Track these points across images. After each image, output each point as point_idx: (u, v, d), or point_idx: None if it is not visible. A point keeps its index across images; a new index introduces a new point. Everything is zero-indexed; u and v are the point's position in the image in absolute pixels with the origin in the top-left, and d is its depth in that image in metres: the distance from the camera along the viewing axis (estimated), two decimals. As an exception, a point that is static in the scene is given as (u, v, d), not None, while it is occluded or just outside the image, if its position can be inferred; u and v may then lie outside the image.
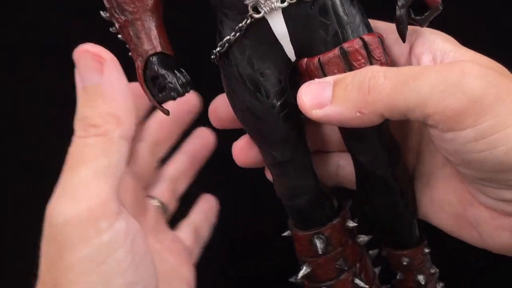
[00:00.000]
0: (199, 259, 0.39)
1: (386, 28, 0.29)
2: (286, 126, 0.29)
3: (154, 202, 0.36)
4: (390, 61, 0.29)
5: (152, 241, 0.32)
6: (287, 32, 0.28)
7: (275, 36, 0.28)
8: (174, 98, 0.28)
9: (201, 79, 0.31)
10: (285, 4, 0.27)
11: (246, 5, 0.27)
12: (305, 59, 0.28)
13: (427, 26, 0.28)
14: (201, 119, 0.37)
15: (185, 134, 0.39)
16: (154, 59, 0.28)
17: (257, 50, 0.28)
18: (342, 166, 0.34)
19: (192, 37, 0.32)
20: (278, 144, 0.30)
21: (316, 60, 0.28)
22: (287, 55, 0.28)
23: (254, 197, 0.40)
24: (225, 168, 0.36)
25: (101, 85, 0.25)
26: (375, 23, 0.30)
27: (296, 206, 0.32)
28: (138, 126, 0.33)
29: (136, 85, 0.27)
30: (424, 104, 0.24)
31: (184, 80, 0.28)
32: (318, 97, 0.26)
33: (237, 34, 0.28)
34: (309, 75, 0.29)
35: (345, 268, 0.33)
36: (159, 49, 0.27)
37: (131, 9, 0.27)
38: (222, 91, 0.30)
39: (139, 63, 0.27)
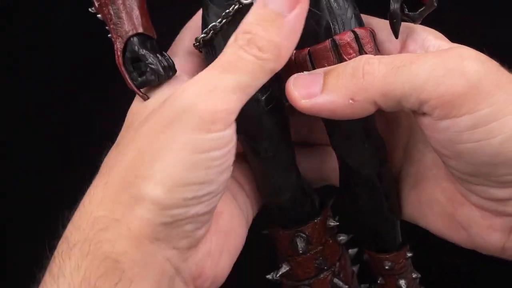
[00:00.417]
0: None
1: (378, 24, 0.29)
2: (270, 122, 0.28)
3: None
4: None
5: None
6: None
7: None
8: (154, 82, 0.27)
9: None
10: None
11: None
12: (294, 51, 0.27)
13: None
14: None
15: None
16: (135, 39, 0.26)
17: None
18: (327, 162, 0.33)
19: (176, 23, 0.30)
20: (262, 139, 0.29)
21: (305, 52, 0.27)
22: None
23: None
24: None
25: (285, 18, 0.24)
26: (366, 19, 0.29)
27: (278, 203, 0.31)
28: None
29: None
30: (422, 88, 0.23)
31: (166, 64, 0.26)
32: (308, 87, 0.26)
33: (223, 21, 0.27)
34: (298, 68, 0.28)
35: (325, 267, 0.32)
36: (140, 29, 0.26)
37: None
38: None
39: (118, 45, 0.26)
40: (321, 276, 0.32)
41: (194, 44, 0.28)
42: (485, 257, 0.29)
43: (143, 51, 0.26)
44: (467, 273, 0.36)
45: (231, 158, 0.26)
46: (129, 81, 0.26)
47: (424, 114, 0.24)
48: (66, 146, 0.45)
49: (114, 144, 0.27)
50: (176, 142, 0.24)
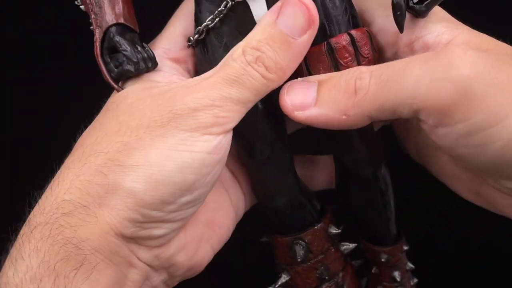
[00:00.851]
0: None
1: (375, 10, 0.27)
2: (265, 123, 0.27)
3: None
4: (377, 56, 0.26)
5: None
6: None
7: (256, 23, 0.25)
8: (130, 73, 0.25)
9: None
10: None
11: None
12: None
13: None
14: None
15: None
16: (114, 29, 0.25)
17: (235, 38, 0.26)
18: (321, 168, 0.32)
19: (163, 20, 0.29)
20: (257, 141, 0.27)
21: None
22: None
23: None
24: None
25: (296, 41, 0.24)
26: (363, 2, 0.27)
27: (275, 208, 0.29)
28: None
29: None
30: (412, 99, 0.23)
31: (145, 55, 0.25)
32: (301, 98, 0.25)
33: (216, 20, 0.26)
34: None
35: (326, 277, 0.30)
36: (121, 20, 0.25)
37: None
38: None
39: (97, 35, 0.25)
40: (323, 287, 0.30)
41: (187, 43, 0.27)
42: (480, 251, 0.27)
43: (119, 39, 0.25)
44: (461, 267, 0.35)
45: (219, 171, 0.25)
46: (105, 72, 0.25)
47: (421, 121, 0.23)
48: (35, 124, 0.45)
49: (91, 125, 0.25)
50: (168, 141, 0.23)
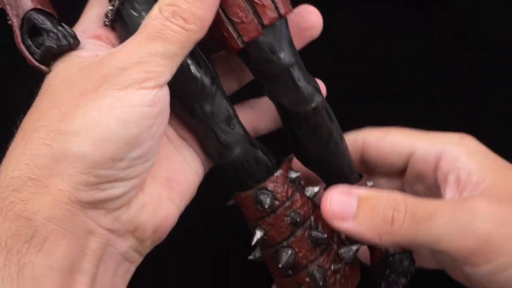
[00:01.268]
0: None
1: (416, 139, 0.32)
2: (198, 76, 0.28)
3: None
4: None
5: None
6: None
7: None
8: (54, 49, 0.25)
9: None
10: None
11: None
12: None
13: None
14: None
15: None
16: (32, 12, 0.25)
17: (150, 4, 0.26)
18: (260, 114, 0.33)
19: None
20: (194, 99, 0.28)
21: None
22: None
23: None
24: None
25: None
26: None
27: (230, 163, 0.29)
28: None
29: None
30: (438, 242, 0.26)
31: (66, 32, 0.26)
32: (342, 209, 0.28)
33: None
34: None
35: (298, 220, 0.30)
36: (38, 5, 0.25)
37: None
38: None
39: (15, 23, 0.25)
40: (298, 233, 0.30)
41: (105, 22, 0.28)
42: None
43: (37, 16, 0.25)
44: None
45: (162, 122, 0.26)
46: (28, 56, 0.25)
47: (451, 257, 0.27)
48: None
49: (31, 108, 0.26)
50: (104, 101, 0.24)
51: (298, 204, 0.30)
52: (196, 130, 0.29)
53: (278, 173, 0.30)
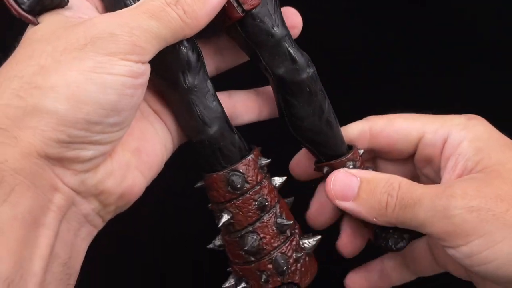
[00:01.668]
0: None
1: (425, 123, 0.33)
2: (185, 49, 0.28)
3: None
4: None
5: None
6: None
7: None
8: (46, 3, 0.25)
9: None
10: None
11: None
12: None
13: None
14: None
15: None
16: None
17: None
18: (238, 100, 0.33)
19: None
20: (179, 70, 0.28)
21: None
22: None
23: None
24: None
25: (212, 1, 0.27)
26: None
27: (207, 139, 0.29)
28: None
29: None
30: (422, 225, 0.29)
31: None
32: (344, 190, 0.31)
33: None
34: None
35: (265, 205, 0.31)
36: None
37: None
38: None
39: None
40: (264, 219, 0.31)
41: None
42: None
43: None
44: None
45: (142, 93, 0.26)
46: (14, 5, 0.24)
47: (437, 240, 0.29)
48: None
49: (8, 60, 0.25)
50: (86, 64, 0.23)
51: (266, 191, 0.31)
52: (176, 104, 0.30)
53: (250, 157, 0.31)
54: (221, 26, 0.30)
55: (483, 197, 0.27)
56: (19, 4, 0.25)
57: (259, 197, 0.30)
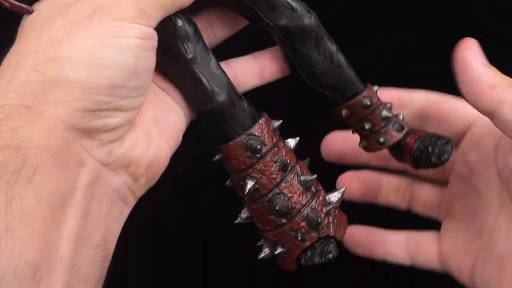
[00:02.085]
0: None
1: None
2: (181, 22, 0.28)
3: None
4: None
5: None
6: None
7: None
8: None
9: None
10: None
11: None
12: None
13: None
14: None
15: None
16: None
17: None
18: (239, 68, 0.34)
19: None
20: (180, 41, 0.28)
21: None
22: None
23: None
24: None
25: None
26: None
27: (218, 107, 0.29)
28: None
29: None
30: None
31: None
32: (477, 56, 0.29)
33: None
34: None
35: (287, 163, 0.30)
36: None
37: None
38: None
39: None
40: (288, 178, 0.31)
41: None
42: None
43: None
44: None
45: (154, 59, 0.26)
46: None
47: None
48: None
49: (15, 43, 0.24)
50: (98, 30, 0.23)
51: (284, 151, 0.31)
52: (181, 78, 0.29)
53: (262, 120, 0.30)
54: None
55: None
56: None
57: (279, 158, 0.30)
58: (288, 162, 0.30)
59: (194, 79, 0.29)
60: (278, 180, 0.30)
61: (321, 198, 0.31)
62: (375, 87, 0.34)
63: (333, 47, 0.32)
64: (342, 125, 0.36)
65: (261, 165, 0.30)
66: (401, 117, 0.35)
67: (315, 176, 0.31)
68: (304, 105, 0.35)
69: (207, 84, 0.29)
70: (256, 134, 0.30)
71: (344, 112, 0.34)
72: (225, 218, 0.33)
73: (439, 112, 0.35)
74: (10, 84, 0.22)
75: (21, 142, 0.21)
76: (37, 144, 0.21)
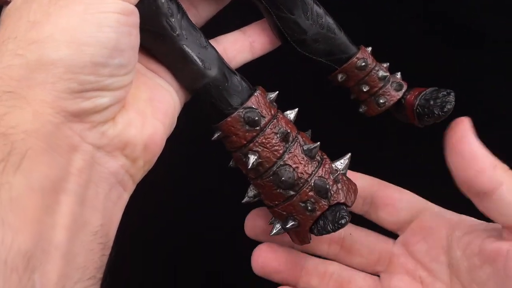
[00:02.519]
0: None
1: None
2: (163, 0, 0.27)
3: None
4: None
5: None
6: None
7: None
8: None
9: None
10: None
11: None
12: None
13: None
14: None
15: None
16: None
17: None
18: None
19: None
20: (164, 18, 0.27)
21: None
22: None
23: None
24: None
25: None
26: None
27: (211, 81, 0.28)
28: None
29: None
30: None
31: None
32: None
33: None
34: None
35: (288, 132, 0.29)
36: None
37: None
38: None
39: None
40: (291, 149, 0.30)
41: None
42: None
43: None
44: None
45: (137, 35, 0.25)
46: None
47: None
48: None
49: None
50: (76, 8, 0.22)
51: (283, 122, 0.30)
52: (170, 57, 0.28)
53: (257, 93, 0.30)
54: None
55: None
56: None
57: (280, 129, 0.29)
58: (289, 131, 0.30)
59: (183, 56, 0.28)
60: (281, 151, 0.29)
61: (327, 166, 0.30)
62: (369, 48, 0.34)
63: (320, 11, 0.32)
64: (341, 91, 0.35)
65: (261, 138, 0.29)
66: (398, 75, 0.34)
67: (318, 143, 0.30)
68: (295, 74, 0.34)
69: (197, 59, 0.28)
70: (253, 106, 0.29)
71: (340, 76, 0.33)
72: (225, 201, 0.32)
73: (385, 195, 0.33)
74: None
75: (7, 129, 0.20)
76: (25, 129, 0.21)
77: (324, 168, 0.30)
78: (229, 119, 0.29)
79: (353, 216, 0.33)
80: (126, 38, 0.24)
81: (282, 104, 0.31)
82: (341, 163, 0.31)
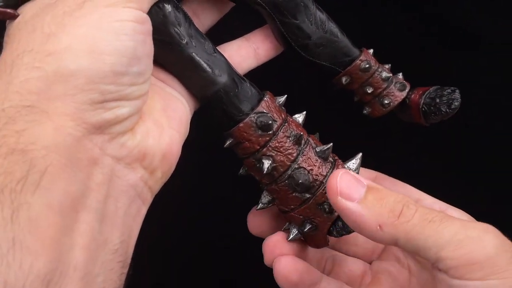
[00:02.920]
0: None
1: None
2: (170, 8, 0.27)
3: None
4: None
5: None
6: None
7: None
8: None
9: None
10: None
11: None
12: None
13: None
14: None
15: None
16: None
17: None
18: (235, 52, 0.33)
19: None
20: (172, 27, 0.27)
21: None
22: None
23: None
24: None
25: None
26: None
27: (222, 88, 0.29)
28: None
29: None
30: (442, 246, 0.25)
31: None
32: (350, 190, 0.26)
33: None
34: None
35: (301, 134, 0.30)
36: None
37: None
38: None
39: None
40: (305, 151, 0.30)
41: None
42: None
43: None
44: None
45: (151, 43, 0.25)
46: None
47: (440, 269, 0.25)
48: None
49: (4, 45, 0.23)
50: (92, 18, 0.22)
51: (294, 125, 0.30)
52: (179, 65, 0.28)
53: (267, 98, 0.30)
54: None
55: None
56: None
57: (291, 132, 0.30)
58: (301, 134, 0.30)
59: (193, 63, 0.28)
60: (294, 155, 0.30)
61: (340, 166, 0.31)
62: (371, 50, 0.34)
63: (323, 16, 0.32)
64: (345, 94, 0.36)
65: (275, 142, 0.29)
66: (400, 75, 0.35)
67: (331, 144, 0.30)
68: (300, 79, 0.34)
69: (206, 67, 0.28)
70: (265, 111, 0.29)
71: (344, 79, 0.34)
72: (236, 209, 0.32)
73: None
74: (9, 86, 0.21)
75: (27, 145, 0.20)
76: (45, 145, 0.20)
77: (337, 169, 0.30)
78: (241, 125, 0.29)
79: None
80: (142, 46, 0.24)
81: (287, 109, 0.31)
82: (353, 163, 0.32)
